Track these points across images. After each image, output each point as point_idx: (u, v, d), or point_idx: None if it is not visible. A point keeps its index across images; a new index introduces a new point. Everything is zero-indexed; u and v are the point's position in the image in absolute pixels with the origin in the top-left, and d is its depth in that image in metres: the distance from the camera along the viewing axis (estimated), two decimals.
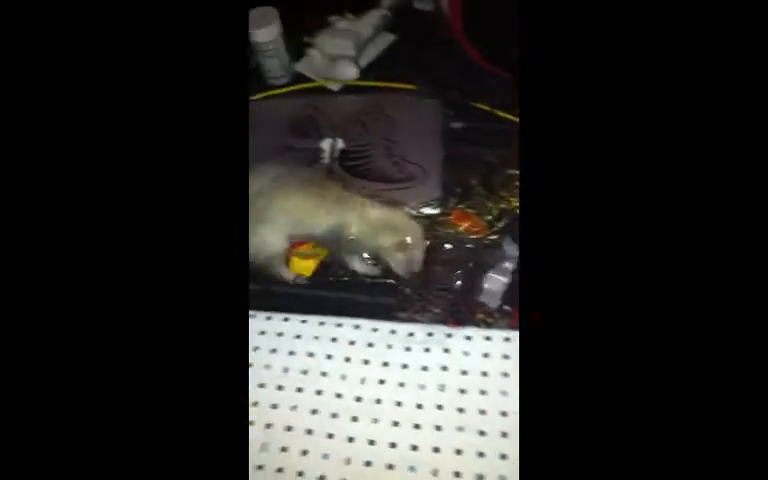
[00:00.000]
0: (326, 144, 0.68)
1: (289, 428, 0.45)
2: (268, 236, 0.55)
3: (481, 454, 0.42)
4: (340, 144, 0.68)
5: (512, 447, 0.42)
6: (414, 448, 0.43)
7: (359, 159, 0.67)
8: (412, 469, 0.42)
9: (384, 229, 0.53)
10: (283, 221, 0.55)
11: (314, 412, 0.46)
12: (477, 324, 0.50)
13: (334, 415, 0.45)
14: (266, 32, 0.72)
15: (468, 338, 0.48)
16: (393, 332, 0.49)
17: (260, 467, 0.43)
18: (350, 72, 0.74)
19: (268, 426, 0.45)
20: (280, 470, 0.43)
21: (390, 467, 0.42)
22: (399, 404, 0.45)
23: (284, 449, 0.44)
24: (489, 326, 0.50)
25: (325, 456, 0.43)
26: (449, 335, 0.48)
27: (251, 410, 0.46)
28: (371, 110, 0.71)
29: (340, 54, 0.75)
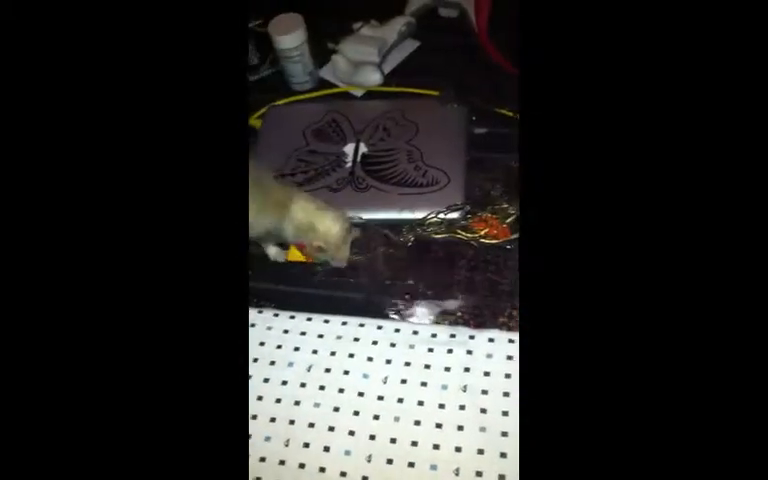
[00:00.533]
0: (349, 149, 0.69)
1: (311, 425, 0.45)
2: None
3: (503, 455, 0.42)
4: (363, 149, 0.69)
5: None
6: (436, 447, 0.43)
7: (382, 164, 0.67)
8: (433, 467, 0.42)
9: (308, 231, 0.55)
10: None
11: (336, 409, 0.46)
12: (499, 327, 0.50)
13: (356, 413, 0.45)
14: (291, 38, 0.73)
15: (491, 340, 0.48)
16: (415, 333, 0.49)
17: (282, 462, 0.44)
18: (374, 78, 0.75)
19: (291, 422, 0.46)
20: (302, 466, 0.44)
21: (411, 465, 0.43)
22: (421, 403, 0.45)
23: (306, 445, 0.45)
24: (511, 329, 0.49)
25: (347, 453, 0.44)
26: (472, 337, 0.48)
27: (274, 406, 0.47)
28: (394, 115, 0.71)
29: (364, 60, 0.76)
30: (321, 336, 0.50)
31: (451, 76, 0.74)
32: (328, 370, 0.48)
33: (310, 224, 0.55)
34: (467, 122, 0.69)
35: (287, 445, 0.45)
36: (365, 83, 0.75)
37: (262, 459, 0.44)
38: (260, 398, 0.47)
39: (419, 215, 0.61)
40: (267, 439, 0.45)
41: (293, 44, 0.73)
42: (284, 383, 0.48)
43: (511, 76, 0.72)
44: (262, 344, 0.51)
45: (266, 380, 0.48)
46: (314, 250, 0.56)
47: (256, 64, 0.80)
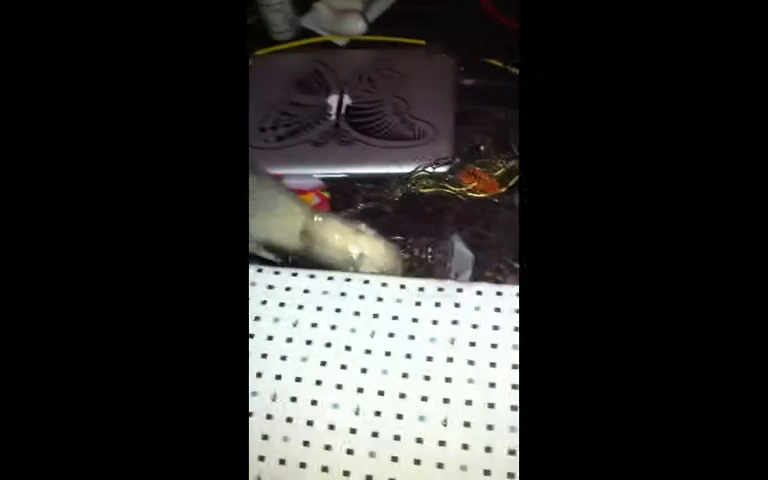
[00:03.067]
0: (333, 100, 0.67)
1: (298, 379, 0.45)
2: None
3: (491, 405, 0.42)
4: (347, 101, 0.67)
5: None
6: (424, 399, 0.43)
7: (367, 116, 0.65)
8: (421, 419, 0.42)
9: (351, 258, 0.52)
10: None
11: (323, 364, 0.45)
12: (487, 280, 0.49)
13: (343, 366, 0.45)
14: None
15: (479, 293, 0.47)
16: (402, 287, 0.48)
17: (269, 417, 0.43)
18: (358, 26, 0.72)
19: (278, 377, 0.45)
20: (289, 420, 0.43)
21: (399, 417, 0.42)
22: (408, 356, 0.45)
23: (293, 399, 0.44)
24: (499, 282, 0.49)
25: (335, 406, 0.43)
26: (459, 290, 0.47)
27: (259, 362, 0.46)
28: (379, 66, 0.69)
29: (347, 8, 0.73)
30: (307, 291, 0.49)
31: (438, 25, 0.71)
32: (314, 325, 0.47)
33: (358, 251, 0.51)
34: (455, 73, 0.67)
35: (274, 400, 0.44)
36: (348, 32, 0.73)
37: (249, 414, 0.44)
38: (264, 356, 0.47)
39: (406, 169, 0.60)
40: (253, 394, 0.45)
41: None
42: (269, 338, 0.47)
43: (501, 26, 0.70)
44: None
45: (251, 336, 0.48)
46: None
47: None
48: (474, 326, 0.46)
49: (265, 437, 0.43)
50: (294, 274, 0.51)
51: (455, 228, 0.56)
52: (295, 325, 0.47)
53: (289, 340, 0.47)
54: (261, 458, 0.43)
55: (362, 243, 0.52)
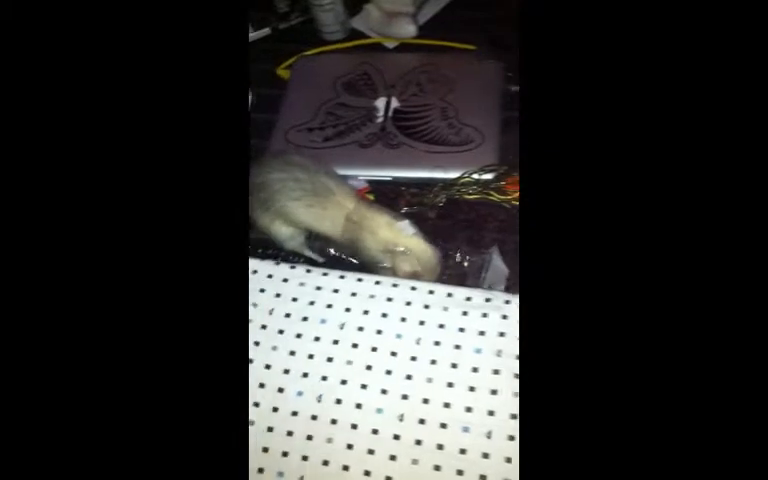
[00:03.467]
0: (381, 103, 0.67)
1: (344, 382, 0.45)
2: (280, 228, 0.57)
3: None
4: (395, 103, 0.67)
5: None
6: (468, 410, 0.43)
7: (414, 120, 0.65)
8: (465, 430, 0.42)
9: (394, 253, 0.52)
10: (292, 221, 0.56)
11: (368, 368, 0.46)
12: None
13: (388, 372, 0.45)
14: None
15: None
16: (450, 295, 0.49)
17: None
18: (408, 29, 0.72)
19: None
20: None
21: (443, 426, 0.43)
22: (454, 366, 0.45)
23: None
24: None
25: (379, 410, 0.44)
26: (507, 302, 0.47)
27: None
28: (428, 70, 0.69)
29: (398, 10, 0.73)
30: (354, 294, 0.50)
31: (488, 30, 0.71)
32: (361, 329, 0.47)
33: (402, 247, 0.52)
34: (503, 79, 0.67)
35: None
36: (399, 35, 0.73)
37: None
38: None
39: (451, 175, 0.60)
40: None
41: None
42: (316, 339, 0.48)
43: None
44: (296, 300, 0.51)
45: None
46: (403, 272, 0.52)
47: (286, 12, 0.78)
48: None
49: (309, 438, 0.44)
50: (342, 277, 0.51)
51: (496, 239, 0.56)
52: (342, 328, 0.48)
53: (335, 342, 0.47)
54: (305, 458, 0.44)
55: (405, 239, 0.52)
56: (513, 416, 0.42)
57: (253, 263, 0.53)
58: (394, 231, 0.52)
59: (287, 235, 0.58)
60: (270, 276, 0.52)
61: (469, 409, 0.43)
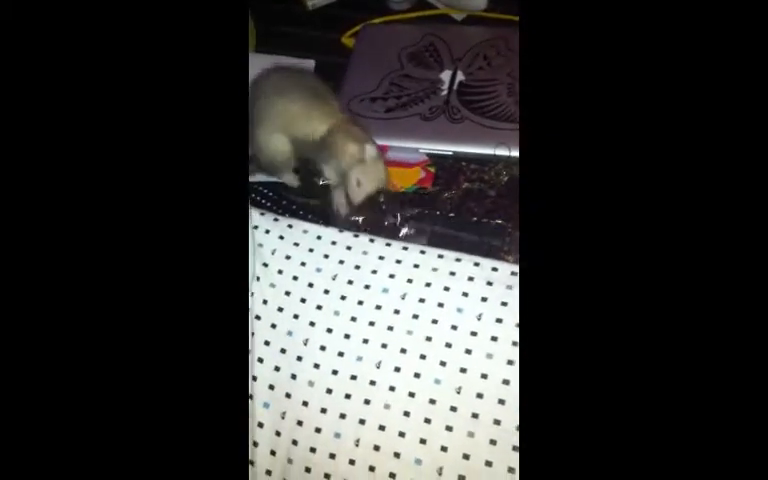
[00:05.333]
0: (446, 76, 0.66)
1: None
2: (269, 137, 0.56)
3: None
4: (460, 77, 0.65)
5: None
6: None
7: (479, 95, 0.64)
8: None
9: (354, 164, 0.52)
10: (280, 124, 0.56)
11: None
12: None
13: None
14: None
15: None
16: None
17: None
18: (478, 2, 0.70)
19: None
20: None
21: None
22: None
23: (359, 358, 0.48)
24: None
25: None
26: None
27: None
28: (496, 44, 0.67)
29: None
30: (416, 266, 0.50)
31: None
32: (422, 300, 0.48)
33: (358, 158, 0.52)
34: None
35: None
36: (468, 6, 0.71)
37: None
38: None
39: (515, 153, 0.58)
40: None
41: None
42: (378, 307, 0.49)
43: None
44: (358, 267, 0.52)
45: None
46: (353, 189, 0.53)
47: None
48: None
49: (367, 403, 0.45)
50: (405, 248, 0.52)
51: None
52: (403, 298, 0.49)
53: (396, 312, 0.49)
54: (362, 421, 0.45)
55: (368, 156, 0.52)
56: None
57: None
58: (359, 146, 0.52)
59: (280, 149, 0.57)
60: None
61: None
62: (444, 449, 0.43)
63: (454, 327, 0.46)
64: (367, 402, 0.46)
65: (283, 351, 0.48)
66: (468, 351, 0.45)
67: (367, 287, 0.50)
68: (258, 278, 0.51)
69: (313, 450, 0.45)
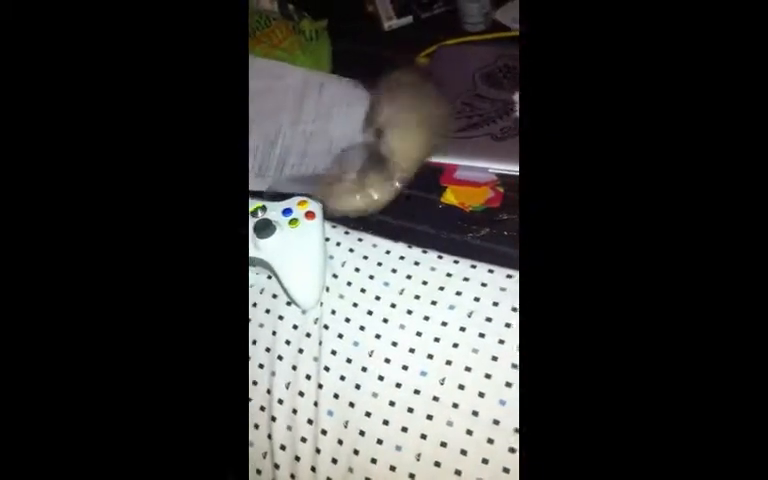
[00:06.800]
0: (518, 97, 0.65)
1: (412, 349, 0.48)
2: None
3: None
4: None
5: None
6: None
7: None
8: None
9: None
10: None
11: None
12: None
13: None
14: None
15: None
16: None
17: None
18: None
19: (429, 356, 0.48)
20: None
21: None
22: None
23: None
24: None
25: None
26: None
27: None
28: None
29: None
30: (484, 285, 0.50)
31: None
32: (489, 319, 0.48)
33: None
34: None
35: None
36: None
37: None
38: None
39: None
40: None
41: None
42: (444, 324, 0.49)
43: None
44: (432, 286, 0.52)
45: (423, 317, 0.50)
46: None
47: (429, 1, 0.79)
48: None
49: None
50: (456, 262, 0.52)
51: None
52: (470, 316, 0.49)
53: (462, 329, 0.49)
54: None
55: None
56: None
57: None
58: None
59: None
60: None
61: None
62: (506, 470, 0.43)
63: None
64: (429, 417, 0.46)
65: (349, 361, 0.49)
66: None
67: (434, 303, 0.50)
68: (327, 289, 0.53)
69: (374, 461, 0.46)
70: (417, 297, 0.51)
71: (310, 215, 0.53)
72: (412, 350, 0.48)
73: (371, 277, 0.53)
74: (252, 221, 0.52)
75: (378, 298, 0.52)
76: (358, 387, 0.48)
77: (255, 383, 0.50)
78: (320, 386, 0.49)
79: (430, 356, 0.48)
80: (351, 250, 0.55)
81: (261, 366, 0.51)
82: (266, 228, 0.51)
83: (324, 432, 0.47)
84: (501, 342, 0.47)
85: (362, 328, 0.50)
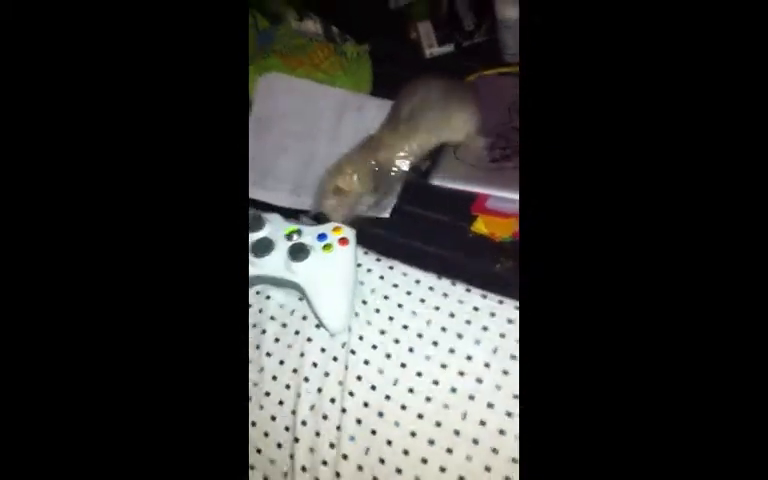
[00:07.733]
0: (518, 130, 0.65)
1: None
2: None
3: None
4: None
5: None
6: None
7: None
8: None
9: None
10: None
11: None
12: None
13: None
14: (515, 8, 0.71)
15: None
16: None
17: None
18: None
19: (453, 390, 0.49)
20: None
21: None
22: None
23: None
24: None
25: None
26: None
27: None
28: None
29: None
30: (510, 321, 0.51)
31: None
32: (513, 357, 0.49)
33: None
34: None
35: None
36: None
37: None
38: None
39: None
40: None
41: (515, 15, 0.71)
42: (469, 358, 0.50)
43: None
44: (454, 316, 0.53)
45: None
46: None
47: (471, 30, 0.80)
48: None
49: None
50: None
51: None
52: (495, 352, 0.49)
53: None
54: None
55: None
56: None
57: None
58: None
59: None
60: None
61: None
62: None
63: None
64: (449, 451, 0.46)
65: (373, 388, 0.50)
66: None
67: (460, 336, 0.51)
68: (356, 314, 0.54)
69: None
70: (444, 329, 0.51)
71: (343, 241, 0.54)
72: (436, 382, 0.49)
73: (400, 306, 0.54)
74: (287, 244, 0.54)
75: (405, 327, 0.53)
76: (381, 415, 0.49)
77: (281, 403, 0.52)
78: (344, 410, 0.50)
79: (453, 390, 0.49)
80: (381, 277, 0.56)
81: (288, 387, 0.52)
82: (300, 252, 0.53)
83: (345, 457, 0.48)
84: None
85: (388, 356, 0.51)
